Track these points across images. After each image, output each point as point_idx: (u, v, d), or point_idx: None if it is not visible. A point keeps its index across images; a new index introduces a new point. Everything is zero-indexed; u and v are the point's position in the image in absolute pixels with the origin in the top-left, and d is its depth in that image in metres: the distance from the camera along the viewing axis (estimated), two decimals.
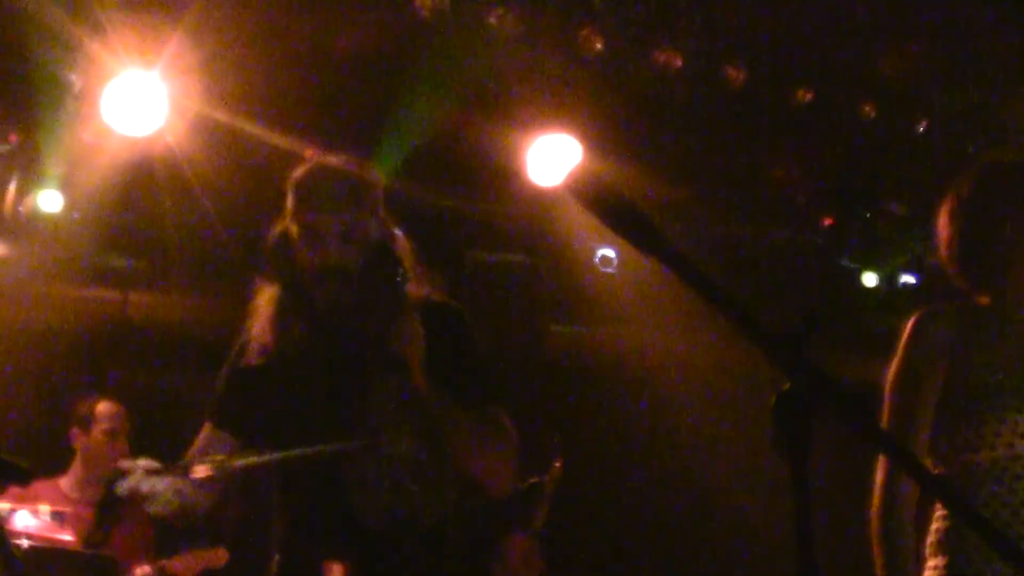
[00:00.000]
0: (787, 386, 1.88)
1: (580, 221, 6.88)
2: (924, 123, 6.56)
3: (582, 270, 7.25)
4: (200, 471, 3.26)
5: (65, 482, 5.93)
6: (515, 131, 6.28)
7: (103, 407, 5.99)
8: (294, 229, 3.42)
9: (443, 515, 3.40)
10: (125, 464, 3.28)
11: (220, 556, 5.71)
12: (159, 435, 6.59)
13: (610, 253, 7.21)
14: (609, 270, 7.21)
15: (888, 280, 7.43)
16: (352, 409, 3.36)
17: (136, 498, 3.22)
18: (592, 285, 7.26)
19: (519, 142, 6.33)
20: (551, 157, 6.30)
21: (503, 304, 7.03)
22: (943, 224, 3.56)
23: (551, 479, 6.12)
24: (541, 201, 6.70)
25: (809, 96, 6.36)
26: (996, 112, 6.49)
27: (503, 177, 6.55)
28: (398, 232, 3.53)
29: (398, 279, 3.40)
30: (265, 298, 3.47)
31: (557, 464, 6.15)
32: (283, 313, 3.42)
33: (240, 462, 3.28)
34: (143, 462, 3.27)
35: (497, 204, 6.94)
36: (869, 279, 7.45)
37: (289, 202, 3.46)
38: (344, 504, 3.31)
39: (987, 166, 3.65)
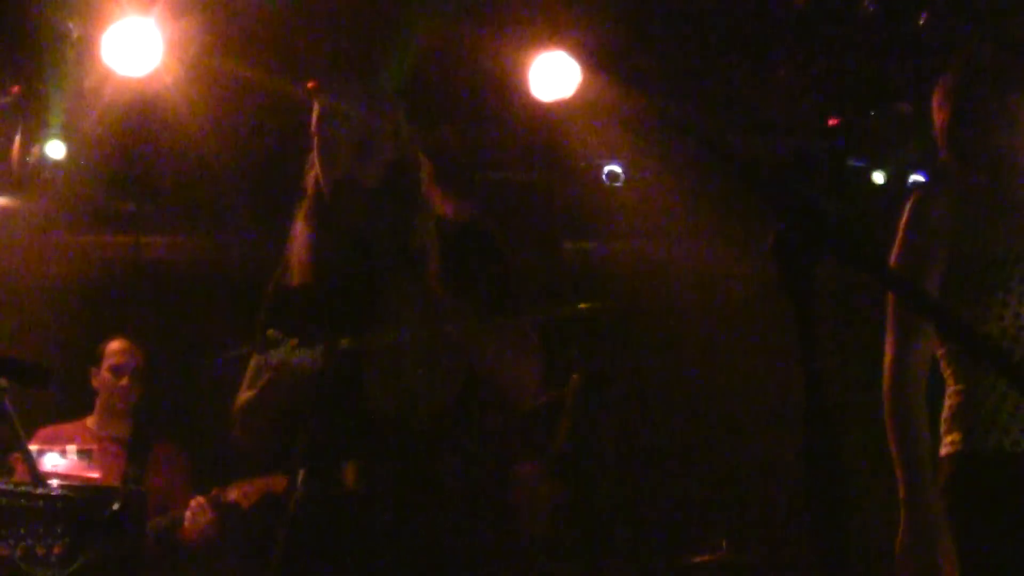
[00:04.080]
0: (783, 225, 1.87)
1: (585, 137, 6.88)
2: (924, 16, 6.50)
3: (590, 186, 7.24)
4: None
5: (91, 420, 6.13)
6: (516, 47, 6.25)
7: (110, 345, 6.17)
8: (315, 144, 3.48)
9: (445, 407, 3.42)
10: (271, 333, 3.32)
11: (279, 483, 5.65)
12: (177, 375, 6.69)
13: (617, 168, 7.19)
14: (617, 185, 7.21)
15: (898, 178, 7.42)
16: (370, 312, 3.40)
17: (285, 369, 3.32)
18: (600, 200, 7.25)
19: (521, 58, 6.30)
20: (553, 73, 6.27)
21: (514, 222, 7.00)
22: (936, 109, 3.68)
23: (570, 393, 6.10)
24: (545, 118, 6.67)
25: None
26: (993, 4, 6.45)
27: (506, 95, 6.52)
28: (422, 155, 3.57)
29: (416, 198, 3.45)
30: (302, 219, 3.52)
31: (575, 376, 6.14)
32: (315, 232, 3.47)
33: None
34: None
35: (502, 122, 6.91)
36: (878, 177, 7.43)
37: (312, 120, 3.51)
38: (360, 403, 3.35)
39: (972, 51, 3.73)
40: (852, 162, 7.30)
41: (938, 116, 3.66)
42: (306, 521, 3.45)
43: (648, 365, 7.68)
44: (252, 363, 3.55)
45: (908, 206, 3.58)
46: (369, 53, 6.00)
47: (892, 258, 3.56)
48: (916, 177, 7.38)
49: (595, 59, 6.29)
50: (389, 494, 3.35)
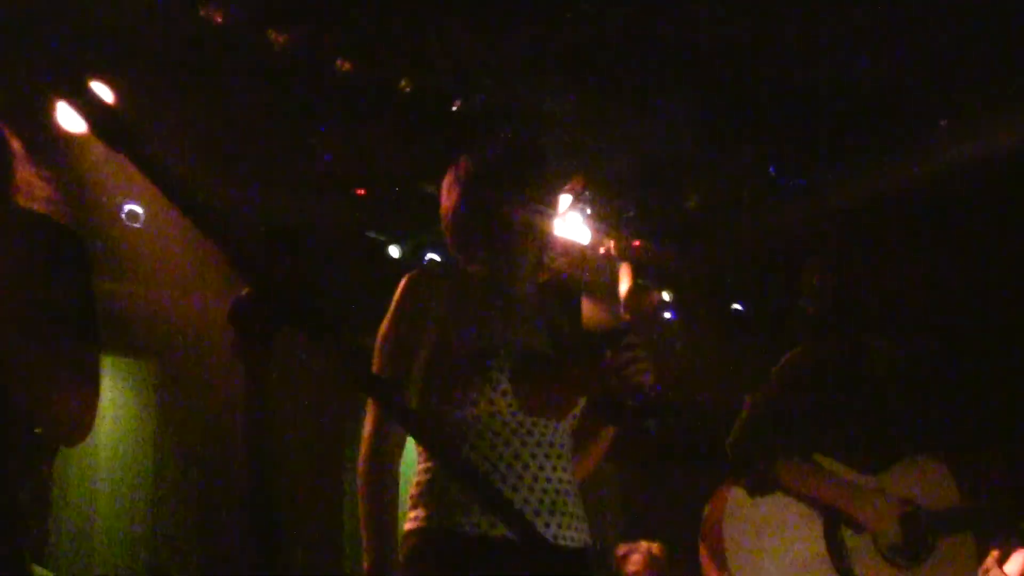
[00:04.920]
0: (246, 292, 1.89)
1: (109, 174, 6.69)
2: (458, 103, 6.72)
3: (109, 225, 7.03)
4: None
5: None
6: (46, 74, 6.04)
7: None
8: None
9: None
10: None
11: None
12: None
13: (137, 209, 7.03)
14: (136, 225, 7.04)
15: (413, 253, 7.59)
16: None
17: None
18: (119, 241, 7.05)
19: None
20: (80, 103, 6.07)
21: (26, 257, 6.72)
22: (444, 196, 3.78)
23: None
24: (72, 150, 6.45)
25: (349, 66, 6.39)
26: (537, 100, 6.73)
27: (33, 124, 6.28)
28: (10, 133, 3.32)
29: None
30: None
31: None
32: None
33: None
34: None
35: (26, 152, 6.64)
36: (394, 251, 7.59)
37: None
38: None
39: (482, 145, 3.85)
40: (371, 234, 7.44)
41: (444, 202, 3.76)
42: None
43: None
44: None
45: (404, 282, 3.64)
46: None
47: (382, 330, 3.60)
48: (432, 256, 7.59)
49: (125, 95, 6.14)
50: None
